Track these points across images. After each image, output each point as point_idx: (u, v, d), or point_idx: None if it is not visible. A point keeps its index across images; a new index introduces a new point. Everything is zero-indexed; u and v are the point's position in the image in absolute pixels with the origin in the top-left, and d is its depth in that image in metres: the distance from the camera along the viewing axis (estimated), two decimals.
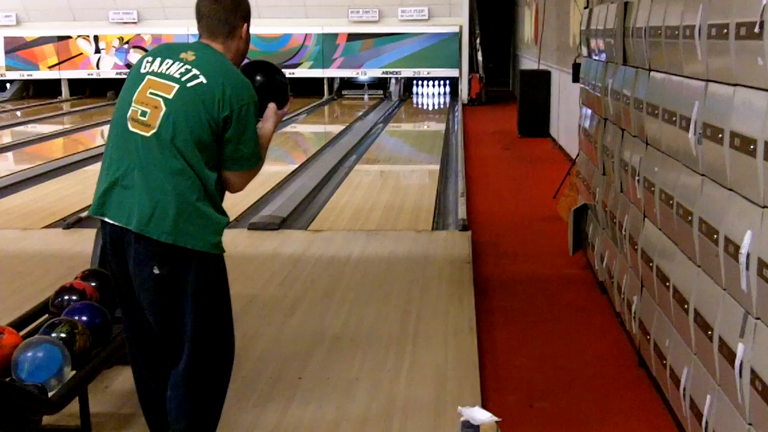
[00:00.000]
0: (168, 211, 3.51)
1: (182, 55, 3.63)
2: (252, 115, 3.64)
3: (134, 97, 3.61)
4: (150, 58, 3.69)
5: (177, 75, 3.59)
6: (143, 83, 3.62)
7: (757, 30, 3.09)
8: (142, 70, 3.67)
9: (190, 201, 3.54)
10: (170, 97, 3.55)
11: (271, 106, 3.86)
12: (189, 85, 3.56)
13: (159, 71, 3.62)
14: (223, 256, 3.70)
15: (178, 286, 3.59)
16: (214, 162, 3.60)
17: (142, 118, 3.56)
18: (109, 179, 3.65)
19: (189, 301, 3.62)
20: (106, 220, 3.63)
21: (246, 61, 3.90)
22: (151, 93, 3.59)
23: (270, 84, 3.88)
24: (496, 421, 2.64)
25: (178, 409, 3.75)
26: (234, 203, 9.94)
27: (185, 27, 24.32)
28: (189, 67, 3.59)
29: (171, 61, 3.63)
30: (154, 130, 3.53)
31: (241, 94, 3.60)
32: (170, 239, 3.51)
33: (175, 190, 3.52)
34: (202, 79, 3.57)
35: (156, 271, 3.55)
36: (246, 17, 3.79)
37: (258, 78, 3.83)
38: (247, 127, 3.63)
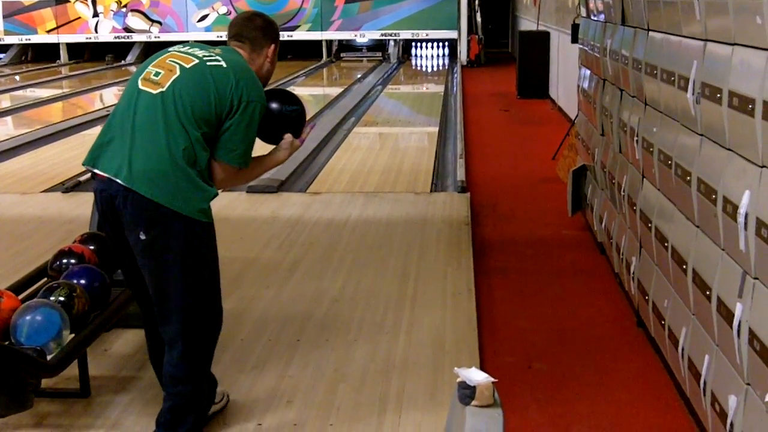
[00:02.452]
0: (160, 169, 3.52)
1: (210, 49, 3.80)
2: (256, 116, 3.70)
3: (153, 63, 3.73)
4: (179, 46, 3.85)
5: (200, 54, 3.73)
6: (167, 53, 3.78)
7: None
8: (170, 49, 3.83)
9: (182, 165, 3.53)
10: (187, 66, 3.66)
11: (288, 137, 3.91)
12: (208, 63, 3.68)
13: (184, 50, 3.78)
14: (212, 224, 3.71)
15: (165, 251, 3.58)
16: (208, 142, 3.62)
17: (154, 78, 3.64)
18: (108, 133, 3.69)
19: (176, 267, 3.61)
20: (96, 171, 3.65)
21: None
22: (171, 60, 3.71)
23: (287, 112, 3.94)
24: (492, 382, 2.64)
25: (167, 375, 3.79)
26: None
27: None
28: (213, 54, 3.75)
29: (198, 49, 3.79)
30: (161, 89, 3.59)
31: (254, 92, 3.68)
32: (159, 198, 3.50)
33: (170, 151, 3.53)
34: (222, 63, 3.69)
35: (143, 236, 3.55)
36: (275, 40, 3.94)
37: (274, 105, 3.87)
38: (247, 123, 3.67)
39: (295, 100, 4.00)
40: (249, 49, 3.87)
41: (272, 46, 3.92)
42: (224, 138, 3.64)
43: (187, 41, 3.37)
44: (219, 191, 3.73)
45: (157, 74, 3.65)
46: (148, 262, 3.62)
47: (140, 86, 3.64)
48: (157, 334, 3.85)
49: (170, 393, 3.78)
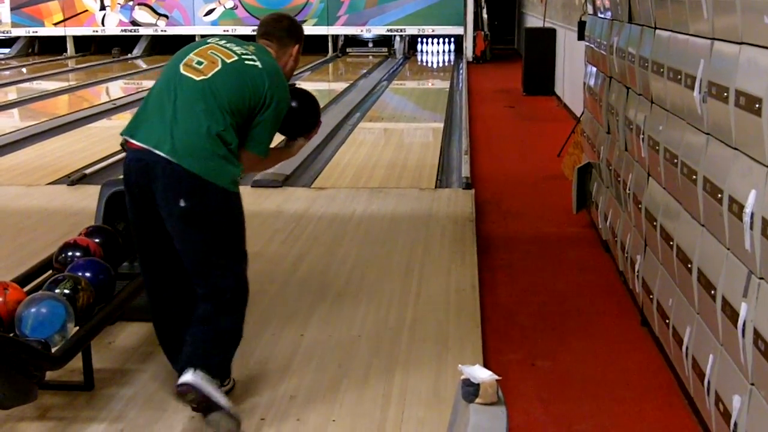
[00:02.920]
0: (200, 145, 3.88)
1: (245, 46, 4.17)
2: (282, 112, 4.13)
3: (194, 52, 4.11)
4: (216, 38, 4.26)
5: (238, 51, 4.10)
6: (206, 45, 4.17)
7: None
8: (208, 40, 4.23)
9: (218, 144, 3.90)
10: (228, 61, 4.04)
11: (300, 141, 4.45)
12: (246, 62, 4.05)
13: (222, 44, 4.16)
14: (239, 193, 4.07)
15: (201, 218, 3.92)
16: (238, 129, 4.00)
17: (197, 66, 4.02)
18: (146, 109, 4.03)
19: (215, 228, 3.97)
20: (134, 141, 3.95)
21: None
22: (212, 52, 4.09)
23: (303, 115, 4.41)
24: (497, 380, 2.64)
25: (192, 346, 4.00)
26: None
27: None
28: (249, 52, 4.12)
29: (235, 44, 4.16)
30: (205, 77, 3.97)
31: (283, 93, 4.13)
32: (199, 171, 3.85)
33: (209, 132, 3.88)
34: (258, 63, 4.07)
35: (183, 203, 3.88)
36: (299, 40, 4.36)
37: (294, 104, 4.27)
38: (274, 120, 4.10)
39: (315, 111, 4.49)
40: (276, 48, 4.25)
41: (296, 46, 4.33)
42: (255, 132, 4.06)
43: (216, 34, 3.76)
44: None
45: (199, 63, 4.02)
46: (186, 228, 3.94)
47: (182, 71, 4.00)
48: (172, 306, 4.19)
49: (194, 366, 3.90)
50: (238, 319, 4.16)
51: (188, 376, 3.86)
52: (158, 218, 3.98)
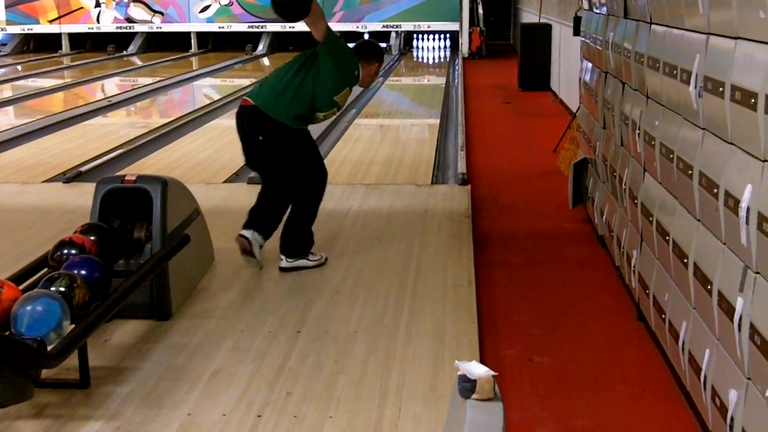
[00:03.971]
0: (280, 104, 5.77)
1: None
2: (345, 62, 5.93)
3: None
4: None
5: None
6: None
7: None
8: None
9: (294, 97, 5.78)
10: (315, 61, 5.84)
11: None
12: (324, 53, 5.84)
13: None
14: (306, 129, 6.00)
15: (276, 147, 5.82)
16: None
17: (300, 59, 5.91)
18: (260, 83, 6.02)
19: (287, 155, 5.87)
20: (244, 97, 5.93)
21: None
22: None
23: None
24: (493, 375, 2.63)
25: (294, 215, 6.11)
26: (233, 157, 9.91)
27: None
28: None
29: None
30: (298, 72, 5.81)
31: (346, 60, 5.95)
32: (276, 115, 5.74)
33: (286, 101, 5.76)
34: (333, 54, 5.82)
35: (260, 138, 5.78)
36: (379, 61, 6.16)
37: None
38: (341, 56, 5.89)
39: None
40: (363, 63, 6.01)
41: (376, 65, 6.11)
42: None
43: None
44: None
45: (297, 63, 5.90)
46: (269, 154, 5.87)
47: (293, 64, 5.88)
48: (265, 198, 6.09)
49: (292, 225, 6.09)
50: (310, 214, 6.20)
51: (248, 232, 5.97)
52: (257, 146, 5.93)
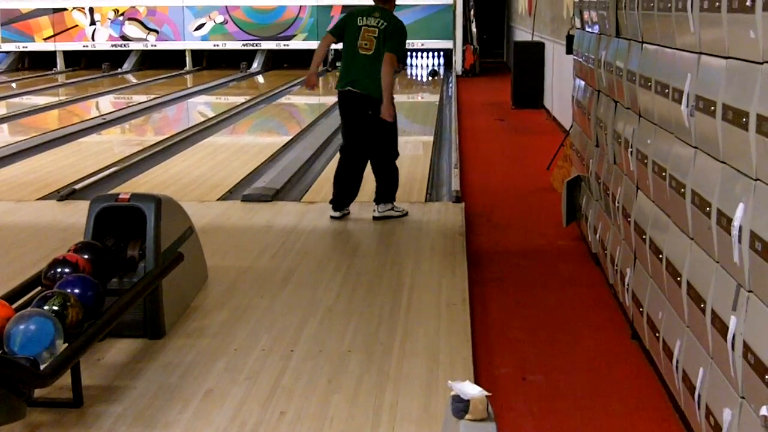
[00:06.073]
0: (375, 83, 7.62)
1: (374, 14, 7.73)
2: (403, 36, 7.86)
3: (359, 37, 7.66)
4: (360, 17, 7.74)
5: (375, 24, 7.67)
6: (362, 31, 7.68)
7: (749, 3, 3.07)
8: (359, 23, 7.70)
9: (380, 82, 7.61)
10: (376, 35, 7.65)
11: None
12: (381, 27, 7.66)
13: (368, 23, 7.68)
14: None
15: (378, 118, 7.70)
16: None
17: (366, 46, 7.66)
18: (348, 76, 7.77)
19: (382, 125, 7.74)
20: (347, 88, 7.73)
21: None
22: (368, 35, 7.65)
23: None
24: (486, 396, 2.64)
25: (380, 173, 7.91)
26: (227, 175, 9.95)
27: None
28: (379, 19, 7.70)
29: (371, 17, 7.71)
30: (371, 52, 7.65)
31: (400, 29, 7.80)
32: (376, 95, 7.64)
33: (378, 74, 7.61)
34: (386, 23, 7.69)
35: (370, 112, 7.65)
36: None
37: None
38: (400, 38, 7.81)
39: None
40: (389, 4, 7.87)
41: None
42: (389, 44, 7.70)
43: (361, 11, 7.87)
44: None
45: (366, 45, 7.65)
46: (369, 124, 7.75)
47: (360, 52, 7.68)
48: (357, 162, 7.88)
49: (380, 180, 7.88)
50: (393, 173, 7.95)
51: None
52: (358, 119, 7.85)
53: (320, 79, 22.76)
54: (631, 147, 5.07)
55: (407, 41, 8.14)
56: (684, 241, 3.96)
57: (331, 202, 7.93)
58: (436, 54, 24.67)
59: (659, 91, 4.42)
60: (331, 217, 7.85)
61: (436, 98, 18.08)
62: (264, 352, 4.98)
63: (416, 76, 23.72)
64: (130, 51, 25.38)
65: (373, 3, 7.82)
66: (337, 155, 8.11)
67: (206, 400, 4.40)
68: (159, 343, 5.09)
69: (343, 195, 7.90)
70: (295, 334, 5.24)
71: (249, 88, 21.08)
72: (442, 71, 23.62)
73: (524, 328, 5.59)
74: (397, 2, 8.04)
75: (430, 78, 22.68)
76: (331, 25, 8.34)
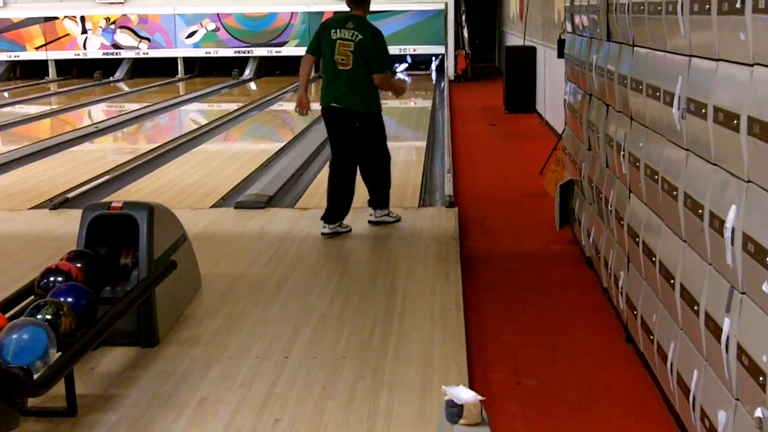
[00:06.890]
0: (356, 98, 7.46)
1: (347, 25, 7.45)
2: (383, 47, 7.60)
3: (335, 52, 7.44)
4: (333, 30, 7.48)
5: (350, 37, 7.42)
6: (337, 45, 7.44)
7: (738, 5, 3.08)
8: (333, 37, 7.47)
9: (368, 93, 7.54)
10: (352, 49, 7.41)
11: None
12: (356, 41, 7.40)
13: (342, 36, 7.43)
14: (381, 113, 7.72)
15: (365, 130, 7.56)
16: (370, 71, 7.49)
17: (342, 62, 7.43)
18: (330, 91, 7.56)
19: (370, 135, 7.62)
20: (332, 104, 7.54)
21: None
22: (343, 49, 7.43)
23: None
24: (480, 400, 2.64)
25: (372, 181, 7.82)
26: (220, 182, 9.93)
27: (171, 6, 24.37)
28: (353, 31, 7.43)
29: (344, 30, 7.44)
30: (349, 67, 7.43)
31: (378, 40, 7.54)
32: (361, 110, 7.50)
33: (360, 88, 7.45)
34: (361, 36, 7.42)
35: (357, 124, 7.48)
36: None
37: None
38: (381, 51, 7.56)
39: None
40: (361, 10, 7.56)
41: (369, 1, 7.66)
42: (374, 62, 7.50)
43: (332, 23, 7.63)
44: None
45: (343, 60, 7.43)
46: (358, 136, 7.57)
47: (338, 67, 7.46)
48: (347, 173, 7.67)
49: (373, 188, 7.84)
50: (385, 180, 7.91)
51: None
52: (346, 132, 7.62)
53: (312, 85, 22.76)
54: (623, 150, 5.08)
55: (399, 47, 8.24)
56: (677, 243, 3.97)
57: (323, 217, 7.60)
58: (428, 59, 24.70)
59: (650, 94, 4.42)
60: (323, 233, 7.52)
61: (428, 103, 18.07)
62: (258, 360, 4.98)
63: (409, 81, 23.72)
64: (122, 59, 25.35)
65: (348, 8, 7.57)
66: (330, 159, 8.09)
67: (200, 408, 4.39)
68: (153, 351, 5.09)
69: (338, 207, 7.59)
70: (289, 341, 5.23)
71: (241, 95, 21.07)
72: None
73: (518, 332, 5.59)
74: (387, 8, 8.26)
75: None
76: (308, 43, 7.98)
